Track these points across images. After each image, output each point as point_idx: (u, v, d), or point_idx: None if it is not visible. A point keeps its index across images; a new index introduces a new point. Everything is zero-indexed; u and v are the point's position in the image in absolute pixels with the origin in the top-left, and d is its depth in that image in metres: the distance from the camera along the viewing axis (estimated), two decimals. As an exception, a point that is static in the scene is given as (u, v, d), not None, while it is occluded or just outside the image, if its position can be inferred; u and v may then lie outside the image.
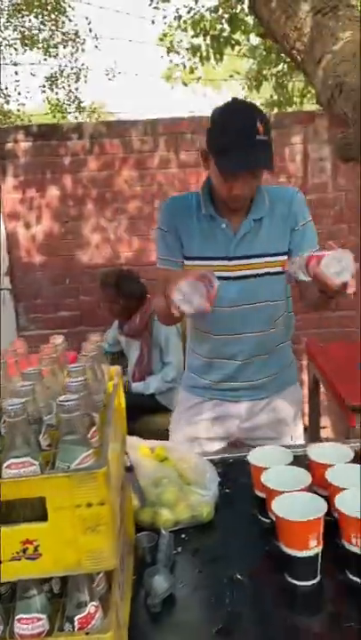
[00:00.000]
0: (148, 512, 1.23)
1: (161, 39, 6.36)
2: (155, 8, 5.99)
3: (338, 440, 1.66)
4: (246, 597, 0.98)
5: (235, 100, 1.41)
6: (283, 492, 1.06)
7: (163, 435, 3.35)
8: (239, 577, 1.03)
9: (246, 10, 6.24)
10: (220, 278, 1.32)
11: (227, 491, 1.36)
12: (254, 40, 6.22)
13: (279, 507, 1.02)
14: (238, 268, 1.48)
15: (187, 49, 5.93)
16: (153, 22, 6.35)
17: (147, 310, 3.10)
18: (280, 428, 1.67)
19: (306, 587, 0.99)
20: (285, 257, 1.49)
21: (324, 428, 3.42)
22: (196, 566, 1.09)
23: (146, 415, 3.03)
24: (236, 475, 1.39)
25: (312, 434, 2.93)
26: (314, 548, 0.99)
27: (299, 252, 1.44)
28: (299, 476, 1.13)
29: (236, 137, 1.30)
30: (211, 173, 1.43)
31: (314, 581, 1.00)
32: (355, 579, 1.00)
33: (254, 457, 1.23)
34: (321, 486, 1.16)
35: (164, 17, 6.13)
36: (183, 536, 1.19)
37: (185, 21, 5.62)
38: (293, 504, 1.03)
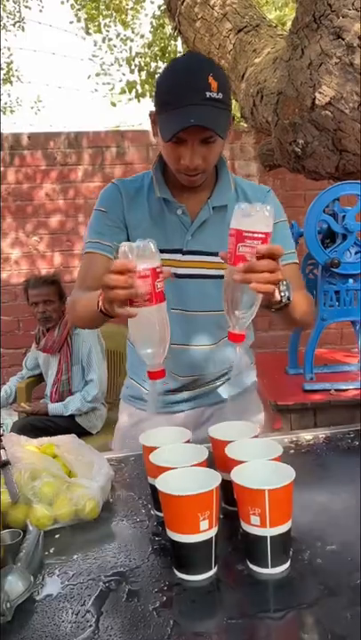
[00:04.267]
0: (21, 509, 1.03)
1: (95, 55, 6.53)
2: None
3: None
4: (119, 605, 0.78)
5: (190, 53, 1.23)
6: (170, 469, 0.89)
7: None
8: (116, 579, 0.84)
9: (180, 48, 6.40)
10: None
11: (126, 480, 1.18)
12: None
13: (163, 483, 0.84)
14: (191, 264, 1.24)
15: (124, 84, 6.05)
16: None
17: (67, 323, 2.91)
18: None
19: (197, 581, 0.81)
20: None
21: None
22: (67, 569, 0.89)
23: (64, 437, 2.79)
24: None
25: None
26: (206, 531, 0.81)
27: None
28: (194, 453, 0.96)
29: (183, 92, 1.07)
30: (159, 142, 1.18)
31: (209, 574, 0.82)
32: (255, 568, 0.83)
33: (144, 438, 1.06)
34: (223, 469, 0.99)
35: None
36: (57, 536, 0.99)
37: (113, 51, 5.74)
38: (184, 481, 0.86)
